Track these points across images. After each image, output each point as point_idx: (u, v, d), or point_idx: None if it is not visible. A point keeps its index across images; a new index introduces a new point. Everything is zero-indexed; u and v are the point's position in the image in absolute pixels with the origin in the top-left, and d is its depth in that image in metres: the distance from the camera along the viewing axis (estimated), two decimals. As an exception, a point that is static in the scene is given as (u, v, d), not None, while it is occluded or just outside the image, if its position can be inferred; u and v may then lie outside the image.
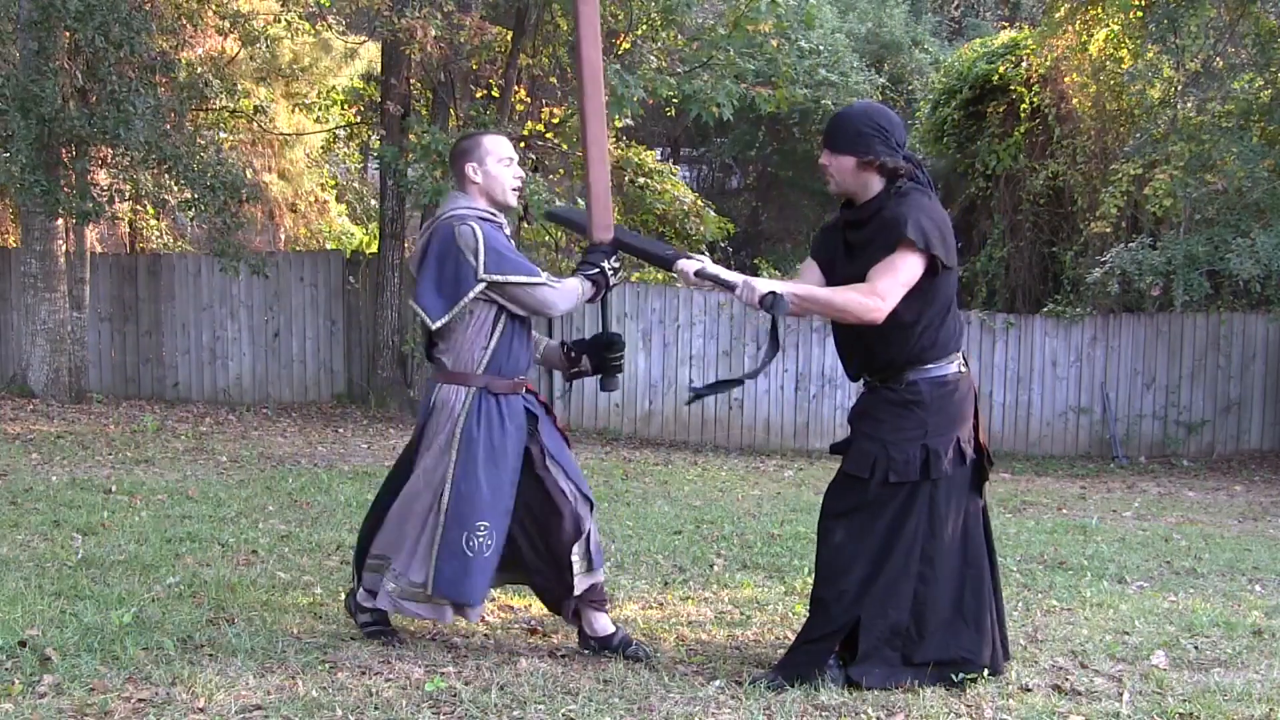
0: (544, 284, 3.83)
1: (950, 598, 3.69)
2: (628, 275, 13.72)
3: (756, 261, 17.88)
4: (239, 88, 13.16)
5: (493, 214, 3.94)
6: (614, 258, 3.98)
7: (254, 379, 13.17)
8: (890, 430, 3.67)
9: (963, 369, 3.77)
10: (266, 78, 14.39)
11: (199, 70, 12.59)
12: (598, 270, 3.95)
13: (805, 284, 3.80)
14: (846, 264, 3.77)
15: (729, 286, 3.65)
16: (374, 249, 14.27)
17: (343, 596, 4.58)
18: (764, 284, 3.59)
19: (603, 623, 3.99)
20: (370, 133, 16.22)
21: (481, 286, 3.78)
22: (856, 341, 3.78)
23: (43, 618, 4.10)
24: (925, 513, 3.66)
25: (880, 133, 3.66)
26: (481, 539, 3.80)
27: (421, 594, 3.83)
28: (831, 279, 3.81)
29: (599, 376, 4.11)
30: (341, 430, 11.26)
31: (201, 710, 3.27)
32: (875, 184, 3.71)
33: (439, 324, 3.83)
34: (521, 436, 3.91)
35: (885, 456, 3.64)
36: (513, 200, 3.98)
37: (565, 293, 3.89)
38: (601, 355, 4.08)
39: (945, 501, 3.67)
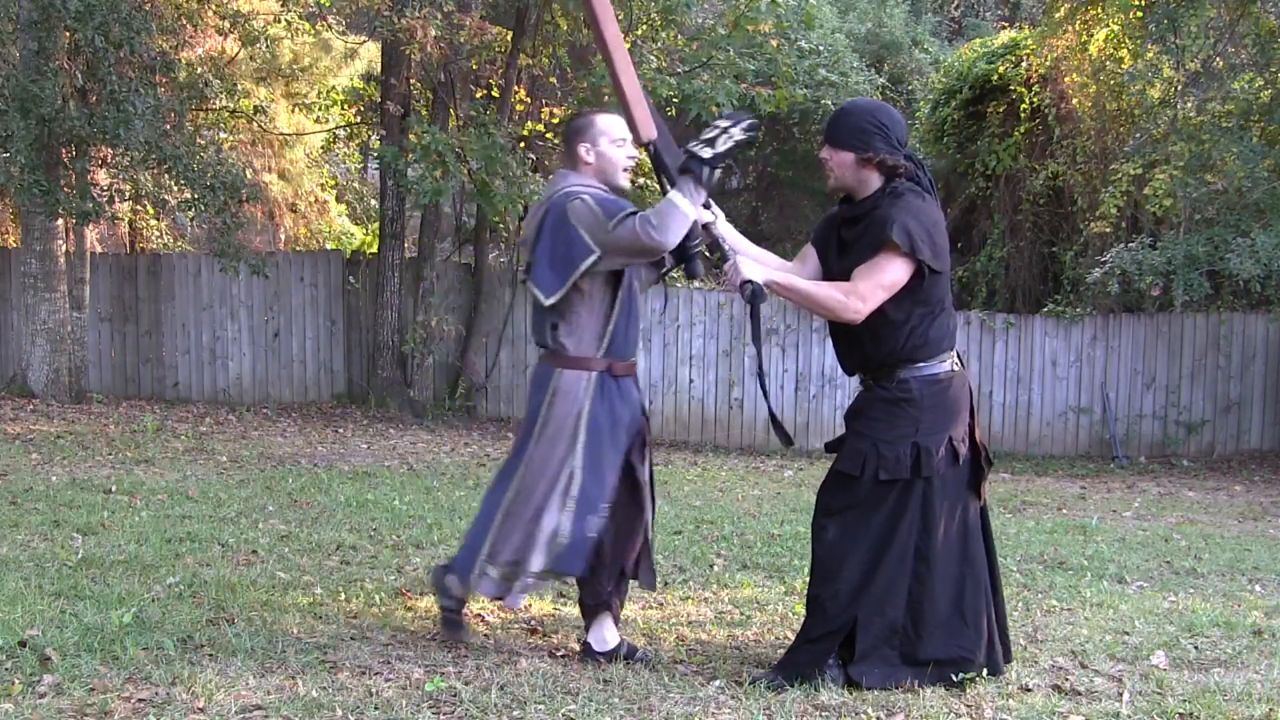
0: (639, 213, 3.69)
1: (949, 597, 3.69)
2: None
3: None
4: (239, 88, 13.17)
5: (604, 191, 3.91)
6: (704, 142, 3.66)
7: (254, 379, 13.16)
8: (884, 429, 3.68)
9: (956, 367, 3.78)
10: (266, 78, 14.40)
11: (199, 70, 12.60)
12: (689, 157, 3.66)
13: (798, 272, 3.87)
14: (838, 259, 3.81)
15: (723, 256, 3.71)
16: (374, 249, 14.26)
17: (354, 591, 4.59)
18: (750, 269, 3.63)
19: (611, 634, 3.94)
20: (370, 133, 16.22)
21: (596, 255, 3.69)
22: (851, 338, 3.80)
23: (43, 618, 4.10)
24: (919, 511, 3.66)
25: (881, 130, 3.67)
26: (604, 519, 3.78)
27: (542, 576, 3.80)
28: (825, 270, 3.86)
29: (683, 266, 4.01)
30: (341, 430, 11.26)
31: (201, 710, 3.27)
32: (874, 181, 3.72)
33: (552, 300, 3.76)
34: (636, 416, 3.90)
35: (876, 454, 3.65)
36: (624, 180, 3.93)
37: (675, 215, 3.66)
38: (681, 244, 3.90)
39: (940, 500, 3.67)
